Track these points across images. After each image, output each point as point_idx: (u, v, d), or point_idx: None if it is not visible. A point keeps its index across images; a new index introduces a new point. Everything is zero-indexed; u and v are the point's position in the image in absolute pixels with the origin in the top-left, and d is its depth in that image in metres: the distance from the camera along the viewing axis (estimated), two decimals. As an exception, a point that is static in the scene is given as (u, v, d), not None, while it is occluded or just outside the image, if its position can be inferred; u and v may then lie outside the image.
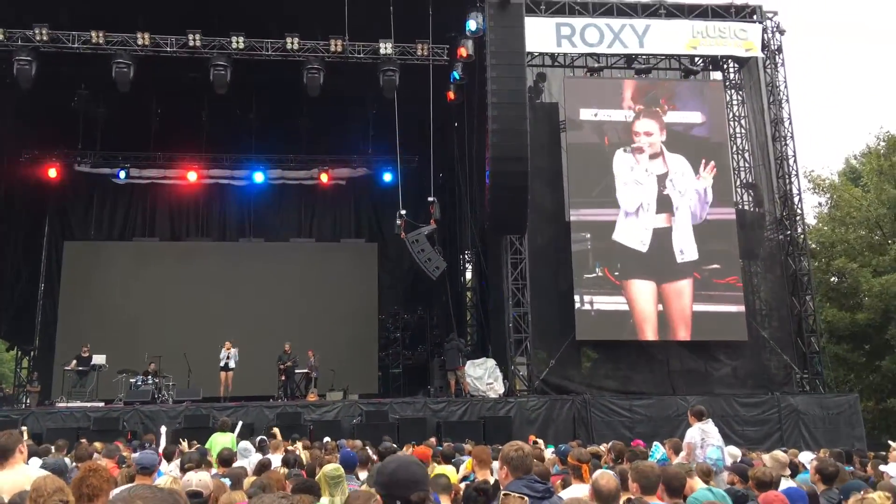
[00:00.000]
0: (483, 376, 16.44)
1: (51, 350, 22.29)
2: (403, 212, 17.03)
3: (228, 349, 17.93)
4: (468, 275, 23.15)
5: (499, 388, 16.40)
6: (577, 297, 17.37)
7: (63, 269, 23.31)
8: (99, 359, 17.67)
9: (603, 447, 9.33)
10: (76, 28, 16.34)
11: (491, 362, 16.91)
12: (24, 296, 23.36)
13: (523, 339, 16.87)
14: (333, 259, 24.02)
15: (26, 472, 4.46)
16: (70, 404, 16.22)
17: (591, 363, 18.33)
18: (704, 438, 8.09)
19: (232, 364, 17.78)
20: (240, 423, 11.84)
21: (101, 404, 16.35)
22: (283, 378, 18.21)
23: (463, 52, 17.19)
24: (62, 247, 23.72)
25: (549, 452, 8.99)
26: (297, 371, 18.44)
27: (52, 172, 22.79)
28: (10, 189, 22.30)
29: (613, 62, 19.53)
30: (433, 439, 12.63)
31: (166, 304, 22.24)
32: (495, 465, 7.20)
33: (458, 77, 18.39)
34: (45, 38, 16.07)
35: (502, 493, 4.13)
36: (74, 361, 17.79)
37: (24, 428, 11.03)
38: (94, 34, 16.25)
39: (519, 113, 15.88)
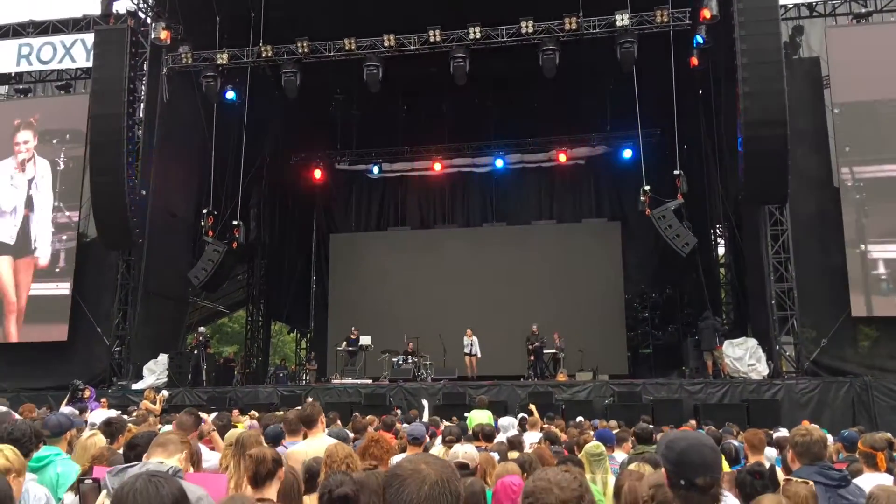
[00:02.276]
0: (744, 357, 15.41)
1: (324, 332, 24.74)
2: (647, 187, 16.48)
3: (470, 336, 18.72)
4: (721, 250, 21.81)
5: (762, 369, 15.30)
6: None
7: (330, 259, 25.72)
8: (365, 340, 19.24)
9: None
10: (331, 38, 17.78)
11: (752, 342, 15.80)
12: (299, 284, 26.13)
13: (788, 316, 15.55)
14: (576, 240, 23.93)
15: (326, 440, 4.94)
16: (343, 381, 17.84)
17: (870, 342, 16.39)
18: None
19: (475, 350, 18.58)
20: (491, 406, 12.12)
21: (369, 381, 17.77)
22: (532, 358, 18.53)
23: (706, 13, 16.13)
24: (328, 239, 26.14)
25: (828, 439, 8.18)
26: (545, 351, 18.66)
27: (318, 173, 25.17)
28: (284, 190, 25.08)
29: (884, 5, 17.20)
30: (693, 422, 12.11)
31: (419, 288, 23.59)
32: (769, 450, 6.73)
33: (701, 41, 17.30)
34: (306, 49, 17.68)
35: (784, 478, 3.83)
36: (345, 342, 19.56)
37: (309, 399, 12.27)
38: (346, 41, 17.57)
39: (774, 72, 14.57)
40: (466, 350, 18.73)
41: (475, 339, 18.83)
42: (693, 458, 2.42)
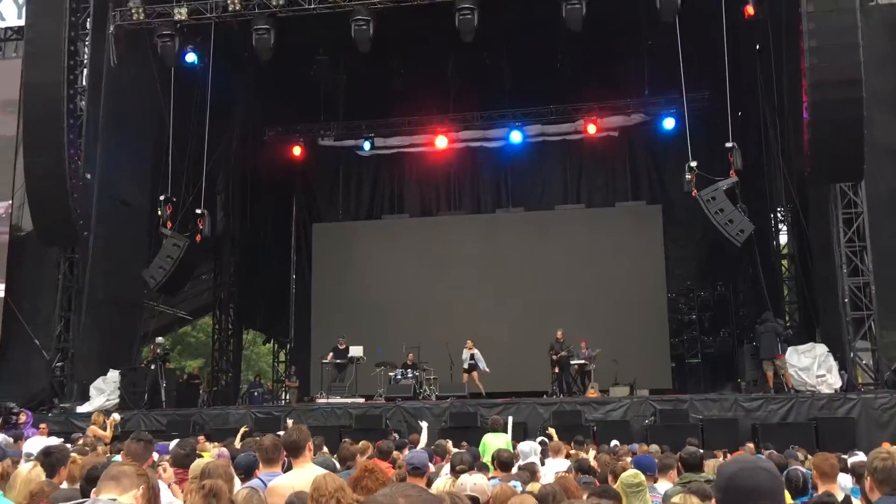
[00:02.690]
0: (811, 366, 15.40)
1: (306, 342, 24.78)
2: (694, 164, 16.46)
3: (470, 348, 18.73)
4: (783, 238, 21.76)
5: (833, 381, 15.29)
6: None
7: (314, 253, 25.74)
8: (356, 351, 19.27)
9: None
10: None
11: (821, 348, 15.80)
12: (276, 285, 26.16)
13: (865, 317, 15.53)
14: (608, 227, 23.91)
15: (314, 471, 4.94)
16: (330, 400, 17.88)
17: (966, 348, 16.37)
18: None
19: (480, 365, 18.60)
20: (510, 418, 12.25)
21: (361, 400, 17.82)
22: (557, 370, 18.54)
23: (763, -49, 16.09)
24: (311, 230, 26.16)
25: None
26: (572, 362, 18.66)
27: (297, 150, 25.16)
28: (257, 172, 25.03)
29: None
30: (751, 445, 12.12)
31: (420, 289, 23.61)
32: (843, 478, 6.72)
33: (758, -14, 17.27)
34: (281, 2, 17.63)
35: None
36: (331, 354, 19.60)
37: (289, 422, 12.33)
38: (331, -9, 17.54)
39: (846, 22, 14.50)
40: (465, 366, 18.77)
41: (477, 351, 18.82)
42: (744, 483, 2.41)
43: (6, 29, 19.97)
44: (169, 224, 18.32)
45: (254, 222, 25.23)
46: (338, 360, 19.46)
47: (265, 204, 25.71)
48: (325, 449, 9.98)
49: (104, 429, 12.85)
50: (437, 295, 23.39)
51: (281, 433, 7.92)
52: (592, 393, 17.54)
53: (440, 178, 25.86)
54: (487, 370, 18.68)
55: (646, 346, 22.02)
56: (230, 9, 17.81)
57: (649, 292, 22.91)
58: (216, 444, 10.76)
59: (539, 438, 11.38)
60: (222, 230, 23.77)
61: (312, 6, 17.78)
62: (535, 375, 19.69)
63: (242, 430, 13.38)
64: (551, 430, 12.25)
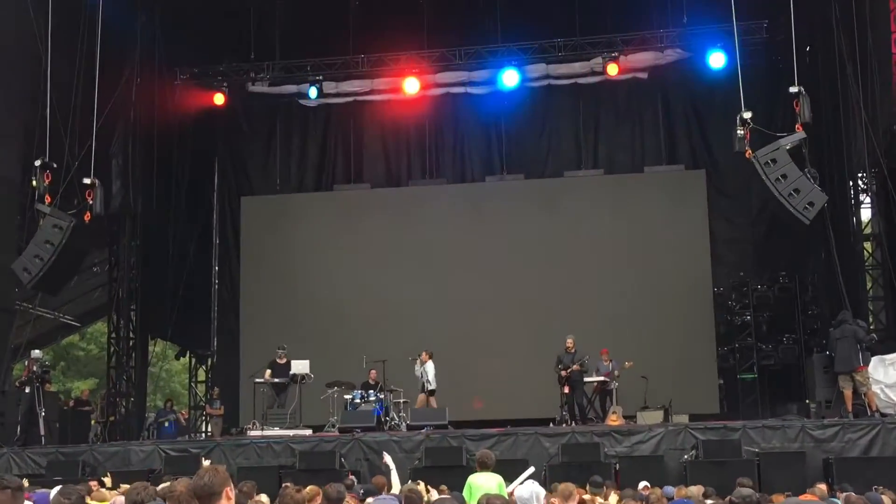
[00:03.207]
0: (902, 382, 15.63)
1: (234, 355, 24.76)
2: (748, 115, 16.45)
3: (425, 361, 18.83)
4: (865, 214, 21.88)
5: (931, 401, 15.50)
6: None
7: (242, 237, 25.65)
8: (300, 366, 19.25)
9: None
10: None
11: (915, 358, 16.00)
12: (193, 279, 25.95)
13: (973, 317, 15.75)
14: (634, 200, 24.00)
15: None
16: (266, 433, 17.88)
17: None
18: None
19: (430, 384, 18.80)
20: (531, 469, 12.28)
21: (309, 432, 17.83)
22: (567, 390, 18.59)
23: None
24: (238, 205, 26.04)
25: None
26: (587, 379, 18.74)
27: (219, 99, 24.95)
28: (165, 129, 24.79)
29: None
30: (822, 486, 12.21)
31: (386, 283, 23.66)
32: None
33: None
34: None
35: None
36: (268, 371, 19.58)
37: (206, 462, 12.31)
38: None
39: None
40: (420, 382, 19.01)
41: (430, 364, 18.96)
42: None
43: None
44: (48, 199, 18.15)
45: (161, 196, 24.99)
46: (276, 380, 19.45)
47: (177, 171, 25.52)
48: (263, 497, 9.96)
49: (-37, 473, 12.79)
50: (408, 292, 23.45)
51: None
52: (614, 420, 17.64)
53: (411, 135, 25.86)
54: (429, 387, 18.79)
55: (685, 357, 22.20)
56: None
57: (690, 286, 23.06)
58: (114, 490, 10.74)
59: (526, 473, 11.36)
60: (119, 206, 23.56)
61: None
62: (537, 397, 19.78)
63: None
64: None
